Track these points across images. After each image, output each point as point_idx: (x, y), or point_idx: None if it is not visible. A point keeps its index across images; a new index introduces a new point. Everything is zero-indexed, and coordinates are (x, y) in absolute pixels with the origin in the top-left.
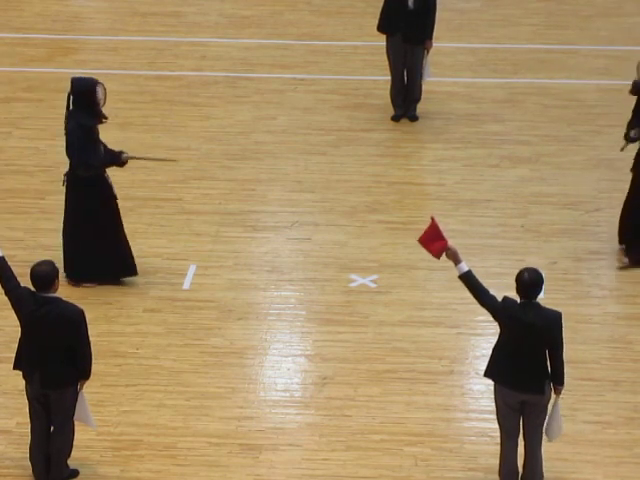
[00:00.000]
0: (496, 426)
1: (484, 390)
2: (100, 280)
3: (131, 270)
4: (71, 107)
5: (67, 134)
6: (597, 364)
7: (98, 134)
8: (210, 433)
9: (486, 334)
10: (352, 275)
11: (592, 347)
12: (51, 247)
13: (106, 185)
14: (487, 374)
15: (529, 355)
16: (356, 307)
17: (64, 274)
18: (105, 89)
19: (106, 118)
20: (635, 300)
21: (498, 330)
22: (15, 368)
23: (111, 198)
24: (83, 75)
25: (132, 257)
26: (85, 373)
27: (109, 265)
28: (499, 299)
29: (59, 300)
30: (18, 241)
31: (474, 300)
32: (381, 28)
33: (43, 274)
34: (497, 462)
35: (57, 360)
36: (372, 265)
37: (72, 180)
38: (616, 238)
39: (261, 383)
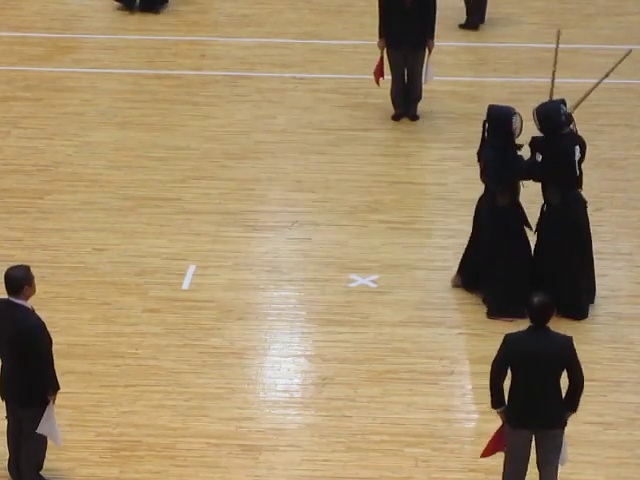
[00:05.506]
0: (497, 426)
1: (485, 391)
2: (515, 314)
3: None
4: (486, 135)
5: (483, 161)
6: (599, 364)
7: (515, 155)
8: (209, 434)
9: (486, 335)
10: (352, 275)
11: (594, 347)
12: (50, 247)
13: (520, 214)
14: (511, 425)
15: (543, 387)
16: (356, 307)
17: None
18: (522, 119)
19: (520, 147)
20: (637, 300)
21: (498, 330)
22: None
23: (523, 228)
24: (498, 104)
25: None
26: (52, 388)
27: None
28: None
29: (23, 309)
30: (17, 241)
31: (474, 300)
32: (383, 34)
33: (12, 278)
34: (497, 463)
35: (15, 373)
36: (372, 265)
37: (488, 206)
38: (618, 238)
39: (261, 384)
